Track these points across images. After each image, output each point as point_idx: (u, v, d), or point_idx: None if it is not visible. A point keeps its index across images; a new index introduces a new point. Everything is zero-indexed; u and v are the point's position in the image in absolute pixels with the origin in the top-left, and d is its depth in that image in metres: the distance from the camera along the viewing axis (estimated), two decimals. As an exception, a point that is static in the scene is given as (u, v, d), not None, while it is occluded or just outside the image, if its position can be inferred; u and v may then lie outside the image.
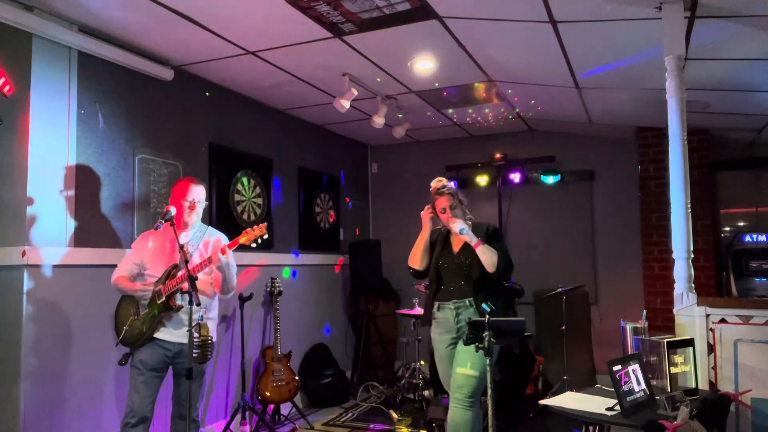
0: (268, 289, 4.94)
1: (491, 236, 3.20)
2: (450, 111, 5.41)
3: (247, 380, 4.60)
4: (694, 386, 2.58)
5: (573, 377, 4.95)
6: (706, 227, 5.16)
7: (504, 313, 3.13)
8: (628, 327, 2.76)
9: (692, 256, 2.84)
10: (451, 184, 3.32)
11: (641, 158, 5.50)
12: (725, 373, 2.73)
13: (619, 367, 2.31)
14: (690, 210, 2.85)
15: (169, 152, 4.10)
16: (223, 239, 3.23)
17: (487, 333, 2.44)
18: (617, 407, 2.26)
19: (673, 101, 2.87)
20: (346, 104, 4.43)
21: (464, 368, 3.00)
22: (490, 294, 3.13)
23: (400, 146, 6.76)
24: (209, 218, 4.39)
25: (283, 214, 5.32)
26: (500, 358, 4.56)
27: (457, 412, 3.02)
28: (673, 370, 2.55)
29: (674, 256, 2.86)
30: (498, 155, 6.06)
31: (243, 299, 4.58)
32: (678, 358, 2.59)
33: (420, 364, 5.35)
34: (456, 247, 3.28)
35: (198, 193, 3.16)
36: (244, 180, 4.81)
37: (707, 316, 2.79)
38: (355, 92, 4.42)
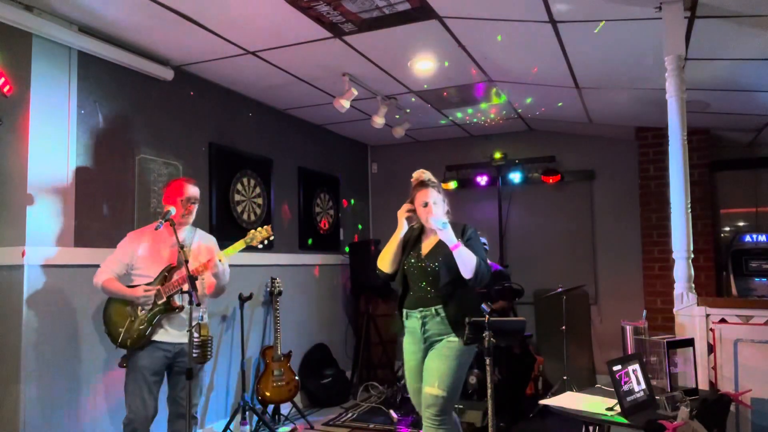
0: (268, 289, 4.93)
1: (469, 238, 2.90)
2: (450, 111, 5.41)
3: (247, 380, 4.60)
4: (694, 386, 2.58)
5: (573, 377, 4.96)
6: (706, 227, 5.16)
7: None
8: (628, 327, 2.76)
9: (692, 256, 2.84)
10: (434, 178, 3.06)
11: (641, 158, 5.50)
12: (725, 373, 2.73)
13: (619, 367, 2.30)
14: (690, 210, 2.84)
15: (169, 152, 4.10)
16: (213, 242, 3.23)
17: (487, 333, 2.44)
18: (617, 407, 2.26)
19: (673, 101, 2.87)
20: (346, 104, 4.42)
21: (432, 387, 2.78)
22: (462, 303, 2.84)
23: (400, 146, 6.75)
24: (209, 218, 4.40)
25: (283, 214, 5.33)
26: (500, 358, 4.60)
27: (429, 430, 2.82)
28: (673, 370, 2.55)
29: (674, 256, 2.86)
30: (498, 155, 6.07)
31: (243, 299, 4.58)
32: (678, 358, 2.59)
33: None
34: (425, 249, 2.97)
35: (195, 193, 3.16)
36: (244, 180, 4.82)
37: (707, 316, 2.78)
38: (355, 92, 4.42)
